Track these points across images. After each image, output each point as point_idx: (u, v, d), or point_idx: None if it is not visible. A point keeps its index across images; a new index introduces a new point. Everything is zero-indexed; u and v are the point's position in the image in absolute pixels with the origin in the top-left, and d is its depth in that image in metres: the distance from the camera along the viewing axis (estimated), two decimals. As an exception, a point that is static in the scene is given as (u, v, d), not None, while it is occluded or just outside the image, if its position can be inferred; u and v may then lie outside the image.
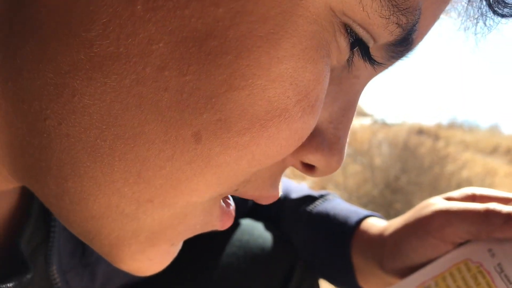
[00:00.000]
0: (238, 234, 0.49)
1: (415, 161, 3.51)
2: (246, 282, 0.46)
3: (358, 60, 0.23)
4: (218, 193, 0.22)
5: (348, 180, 3.31)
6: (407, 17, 0.20)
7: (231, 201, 0.26)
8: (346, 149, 0.26)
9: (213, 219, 0.25)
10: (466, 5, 0.25)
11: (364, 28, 0.20)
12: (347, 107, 0.25)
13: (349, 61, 0.22)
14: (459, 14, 0.26)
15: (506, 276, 0.34)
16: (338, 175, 3.34)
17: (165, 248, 0.24)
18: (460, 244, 0.38)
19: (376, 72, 0.25)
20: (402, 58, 0.24)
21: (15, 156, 0.22)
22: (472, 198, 0.39)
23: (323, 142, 0.24)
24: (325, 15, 0.19)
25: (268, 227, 0.51)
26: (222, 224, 0.25)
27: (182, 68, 0.18)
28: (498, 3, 0.22)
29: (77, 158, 0.20)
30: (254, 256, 0.47)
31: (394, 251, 0.40)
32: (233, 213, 0.26)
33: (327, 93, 0.23)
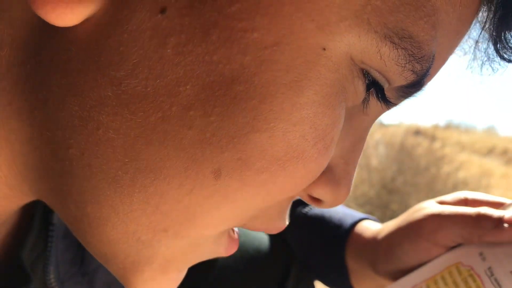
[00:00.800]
0: (234, 236, 0.50)
1: (412, 162, 3.53)
2: (243, 283, 0.47)
3: (372, 100, 0.23)
4: (229, 226, 0.23)
5: (344, 180, 3.31)
6: (421, 64, 0.20)
7: (236, 229, 0.27)
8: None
9: (220, 247, 0.25)
10: (473, 48, 0.25)
11: (380, 73, 0.21)
12: (357, 143, 0.25)
13: (365, 102, 0.23)
14: (465, 53, 0.26)
15: (496, 280, 0.35)
16: (335, 175, 3.32)
17: (174, 275, 0.25)
18: (452, 248, 0.39)
19: (385, 110, 0.25)
20: (411, 98, 0.24)
21: (39, 177, 0.22)
22: (465, 202, 0.40)
23: (334, 178, 0.24)
24: (345, 64, 0.20)
25: (264, 229, 0.52)
26: (226, 251, 0.26)
27: (207, 109, 0.18)
28: (505, 48, 0.22)
29: (98, 186, 0.20)
30: (250, 258, 0.48)
31: (387, 254, 0.41)
32: (238, 241, 0.27)
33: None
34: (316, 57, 0.19)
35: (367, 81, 0.21)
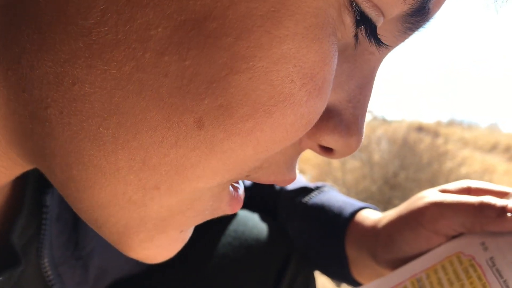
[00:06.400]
0: (233, 225, 0.49)
1: (414, 157, 3.52)
2: (241, 272, 0.46)
3: (362, 38, 0.22)
4: (227, 179, 0.22)
5: (346, 175, 3.32)
6: None
7: (240, 185, 0.26)
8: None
9: (222, 204, 0.25)
10: None
11: (370, 1, 0.19)
12: (364, 84, 0.24)
13: (357, 37, 0.21)
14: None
15: (497, 270, 0.34)
16: (336, 170, 3.34)
17: (174, 234, 0.24)
18: (453, 237, 0.38)
19: (392, 46, 0.24)
20: (418, 30, 0.23)
21: (21, 142, 0.22)
22: (468, 191, 0.40)
23: (341, 123, 0.23)
24: None
25: (263, 218, 0.51)
26: (231, 208, 0.25)
27: (181, 52, 0.18)
28: None
29: (81, 146, 0.20)
30: (249, 247, 0.47)
31: (387, 243, 0.40)
32: (242, 197, 0.26)
33: (341, 72, 0.23)
34: None
35: (357, 17, 0.20)
